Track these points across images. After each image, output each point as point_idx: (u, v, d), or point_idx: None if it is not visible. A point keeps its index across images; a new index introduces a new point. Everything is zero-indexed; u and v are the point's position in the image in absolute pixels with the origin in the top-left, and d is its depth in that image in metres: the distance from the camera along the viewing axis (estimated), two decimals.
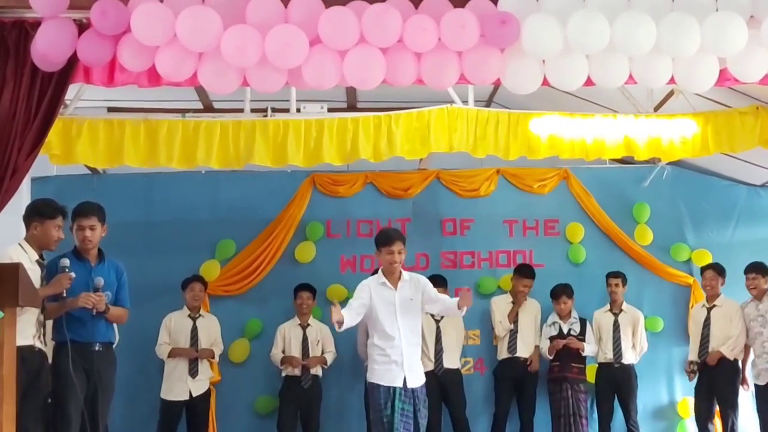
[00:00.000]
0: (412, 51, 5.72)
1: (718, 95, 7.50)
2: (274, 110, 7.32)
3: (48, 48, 5.57)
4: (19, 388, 4.55)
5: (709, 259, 8.73)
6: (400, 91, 6.52)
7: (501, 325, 8.48)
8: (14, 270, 4.28)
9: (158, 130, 7.07)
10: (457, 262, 8.88)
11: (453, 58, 5.76)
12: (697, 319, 8.36)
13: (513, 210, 9.05)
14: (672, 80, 6.00)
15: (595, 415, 8.43)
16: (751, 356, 7.97)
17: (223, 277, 8.69)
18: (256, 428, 8.62)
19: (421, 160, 8.42)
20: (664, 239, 9.06)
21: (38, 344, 5.28)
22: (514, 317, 8.45)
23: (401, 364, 5.79)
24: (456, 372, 8.37)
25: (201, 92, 8.17)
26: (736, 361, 8.05)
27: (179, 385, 7.91)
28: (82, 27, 5.69)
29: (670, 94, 7.52)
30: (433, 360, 8.18)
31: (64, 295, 5.36)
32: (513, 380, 8.42)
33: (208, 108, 8.57)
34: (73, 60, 5.69)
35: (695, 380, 8.26)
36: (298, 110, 7.32)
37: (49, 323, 5.47)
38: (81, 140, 6.95)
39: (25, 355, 4.97)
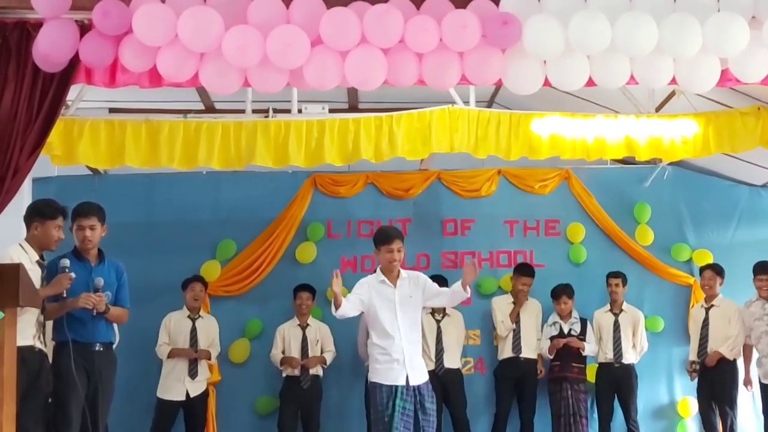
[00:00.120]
0: (414, 51, 5.72)
1: (719, 96, 7.50)
2: (275, 111, 7.33)
3: (50, 49, 5.57)
4: (19, 389, 4.54)
5: (709, 260, 8.74)
6: (401, 91, 6.52)
7: (503, 325, 8.48)
8: (15, 270, 4.28)
9: (159, 130, 7.08)
10: (458, 262, 8.85)
11: (454, 58, 5.75)
12: (696, 320, 8.40)
13: (514, 210, 9.05)
14: (673, 81, 6.00)
15: (596, 414, 8.43)
16: (756, 355, 7.95)
17: (224, 277, 8.70)
18: (257, 428, 8.63)
19: (422, 160, 8.42)
20: (665, 239, 9.06)
21: (38, 344, 5.27)
22: (515, 317, 8.46)
23: (402, 362, 5.78)
24: (457, 372, 8.37)
25: (202, 93, 8.17)
26: (734, 361, 8.06)
27: (177, 386, 7.90)
28: (84, 28, 5.69)
29: (672, 94, 7.52)
30: (434, 360, 8.18)
31: (65, 295, 5.36)
32: (513, 380, 8.42)
33: (210, 109, 8.57)
34: (74, 61, 5.69)
35: (696, 382, 8.28)
36: (300, 111, 7.33)
37: (49, 324, 5.47)
38: (82, 141, 6.97)
39: (26, 355, 4.97)
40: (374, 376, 5.87)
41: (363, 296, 5.87)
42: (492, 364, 8.70)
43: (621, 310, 8.48)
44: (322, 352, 8.30)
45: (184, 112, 7.42)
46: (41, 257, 5.44)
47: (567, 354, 8.26)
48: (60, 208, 5.49)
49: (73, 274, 5.36)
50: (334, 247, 8.90)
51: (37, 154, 5.77)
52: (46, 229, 5.38)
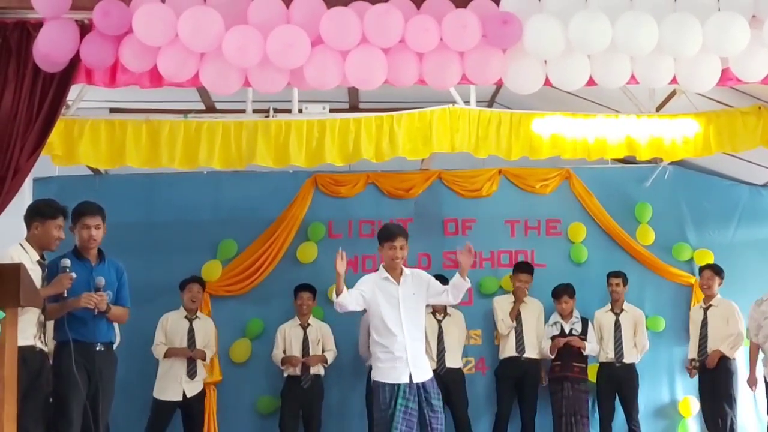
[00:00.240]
0: (414, 51, 5.72)
1: (720, 95, 7.49)
2: (276, 111, 7.33)
3: (50, 49, 5.57)
4: (19, 389, 4.54)
5: (710, 259, 8.74)
6: (401, 91, 6.52)
7: (503, 323, 8.47)
8: (16, 270, 4.27)
9: (160, 130, 7.08)
10: None
11: (455, 58, 5.75)
12: (695, 320, 8.43)
13: (515, 210, 9.05)
14: (674, 80, 5.99)
15: (597, 414, 8.42)
16: (761, 355, 7.94)
17: (225, 277, 8.70)
18: (258, 428, 8.63)
19: (422, 160, 8.42)
20: (666, 239, 9.06)
21: (39, 344, 5.27)
22: (515, 314, 8.45)
23: (405, 360, 5.76)
24: (458, 371, 8.37)
25: (203, 93, 8.17)
26: (733, 360, 8.08)
27: (174, 386, 7.89)
28: (84, 28, 5.69)
29: (672, 94, 7.52)
30: (436, 359, 8.17)
31: (65, 295, 5.36)
32: (514, 380, 8.42)
33: (210, 108, 8.58)
34: (75, 61, 5.69)
35: (697, 382, 8.29)
36: (300, 111, 7.33)
37: (50, 323, 5.46)
38: (83, 141, 6.97)
39: (26, 355, 4.96)
40: (377, 375, 5.85)
41: (365, 293, 5.85)
42: (493, 363, 8.70)
43: (622, 310, 8.47)
44: (323, 352, 8.30)
45: (185, 112, 7.42)
46: (42, 257, 5.44)
47: (568, 354, 8.26)
48: (60, 207, 5.49)
49: (73, 274, 5.36)
50: (335, 247, 8.67)
51: (38, 154, 5.77)
52: (46, 228, 5.38)
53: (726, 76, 6.03)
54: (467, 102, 7.35)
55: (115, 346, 5.91)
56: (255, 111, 7.34)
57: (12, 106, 5.65)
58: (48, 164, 7.09)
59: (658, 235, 9.04)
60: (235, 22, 5.54)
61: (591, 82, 5.93)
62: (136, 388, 7.98)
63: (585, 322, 8.42)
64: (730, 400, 8.04)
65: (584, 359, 8.35)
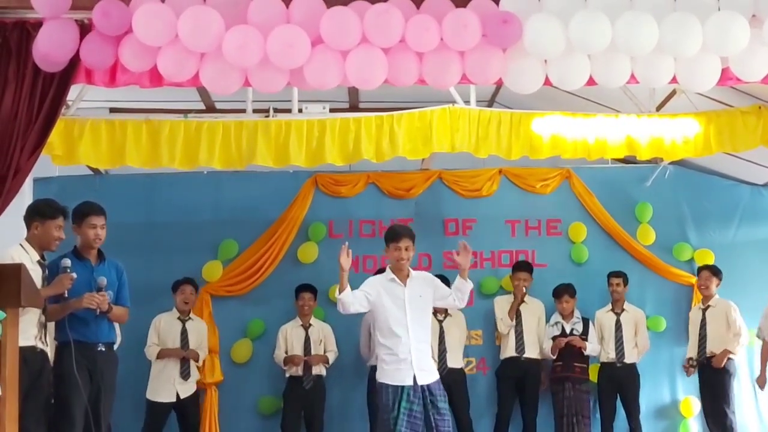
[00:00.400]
0: (414, 51, 5.72)
1: (720, 95, 7.49)
2: (276, 110, 7.32)
3: (50, 48, 5.58)
4: (20, 389, 4.54)
5: (711, 259, 8.74)
6: (402, 91, 6.52)
7: (503, 322, 8.47)
8: (16, 271, 4.27)
9: (160, 130, 7.07)
10: None
11: (455, 57, 5.75)
12: (694, 320, 8.44)
13: (515, 210, 9.05)
14: (674, 80, 6.00)
15: (598, 414, 8.41)
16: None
17: (226, 277, 8.70)
18: (260, 429, 8.63)
19: (423, 160, 8.41)
20: (667, 239, 9.05)
21: (40, 345, 5.27)
22: (514, 313, 8.44)
23: (410, 362, 5.69)
24: (460, 371, 8.37)
25: (203, 93, 8.17)
26: (732, 360, 8.06)
27: (167, 387, 7.87)
28: (84, 27, 5.70)
29: (672, 93, 7.52)
30: (437, 360, 8.14)
31: (66, 295, 5.36)
32: (515, 380, 8.41)
33: (210, 108, 8.57)
34: (74, 60, 5.70)
35: (698, 383, 8.30)
36: (300, 110, 7.32)
37: (51, 324, 5.46)
38: (83, 141, 6.96)
39: (27, 355, 4.96)
40: (381, 377, 5.78)
41: (370, 295, 5.77)
42: (494, 364, 8.69)
43: (622, 310, 8.47)
44: (324, 352, 8.29)
45: (185, 111, 7.41)
46: (42, 257, 5.44)
47: (569, 354, 8.25)
48: (60, 208, 5.49)
49: (74, 274, 5.36)
50: (336, 247, 8.68)
51: (38, 154, 5.77)
52: (46, 229, 5.38)
53: (726, 76, 6.04)
54: (467, 102, 7.35)
55: (116, 347, 5.91)
56: (255, 111, 7.33)
57: (12, 106, 5.66)
58: (48, 164, 7.08)
59: (658, 235, 9.03)
60: (235, 22, 5.55)
61: (591, 81, 5.94)
62: (137, 388, 7.97)
63: (586, 322, 8.42)
64: (727, 399, 8.04)
65: (585, 359, 8.35)
